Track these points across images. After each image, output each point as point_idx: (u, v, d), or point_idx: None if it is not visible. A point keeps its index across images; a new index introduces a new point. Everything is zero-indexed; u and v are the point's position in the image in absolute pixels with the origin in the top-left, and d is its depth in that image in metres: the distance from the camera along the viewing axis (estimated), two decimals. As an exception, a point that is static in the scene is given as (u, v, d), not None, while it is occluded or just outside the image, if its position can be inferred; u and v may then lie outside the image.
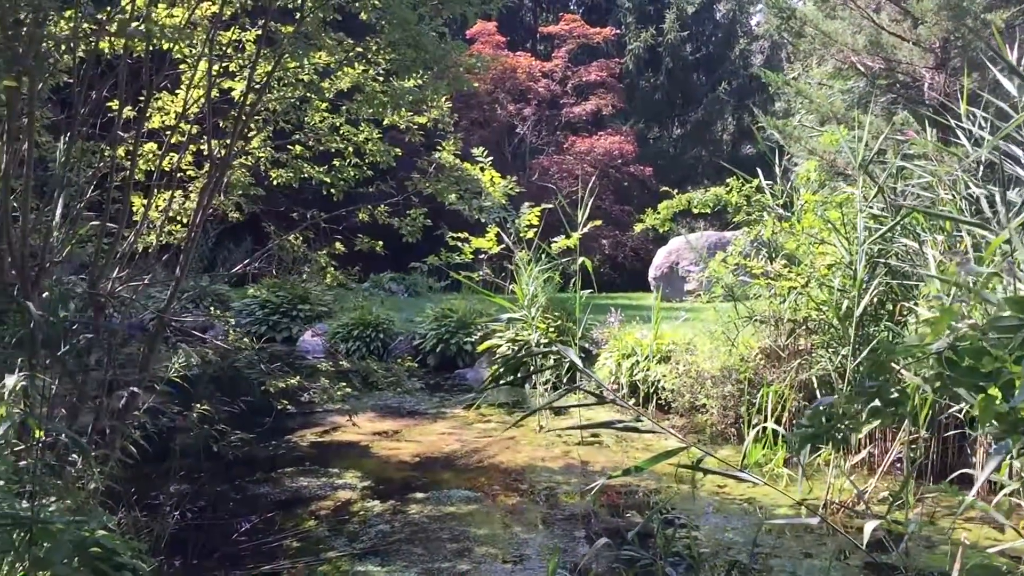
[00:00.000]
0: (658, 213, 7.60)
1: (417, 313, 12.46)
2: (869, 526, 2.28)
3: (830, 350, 6.01)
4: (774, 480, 5.62)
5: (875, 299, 5.72)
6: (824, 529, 4.80)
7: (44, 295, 3.76)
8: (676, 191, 7.68)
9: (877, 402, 1.58)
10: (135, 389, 4.36)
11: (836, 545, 4.57)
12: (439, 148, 6.18)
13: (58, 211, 4.00)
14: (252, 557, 4.30)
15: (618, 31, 27.93)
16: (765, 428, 5.95)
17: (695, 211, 7.32)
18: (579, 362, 2.49)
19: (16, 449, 3.26)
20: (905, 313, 5.73)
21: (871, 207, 5.77)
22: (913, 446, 5.51)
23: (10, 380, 2.97)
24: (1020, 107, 4.32)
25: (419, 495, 5.42)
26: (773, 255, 6.62)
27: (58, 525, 2.97)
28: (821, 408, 1.63)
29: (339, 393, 5.71)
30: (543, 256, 9.17)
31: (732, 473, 2.38)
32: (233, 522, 4.86)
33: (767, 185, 6.84)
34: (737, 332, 6.82)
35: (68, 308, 3.98)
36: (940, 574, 4.17)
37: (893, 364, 3.08)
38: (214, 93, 5.06)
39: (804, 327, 6.28)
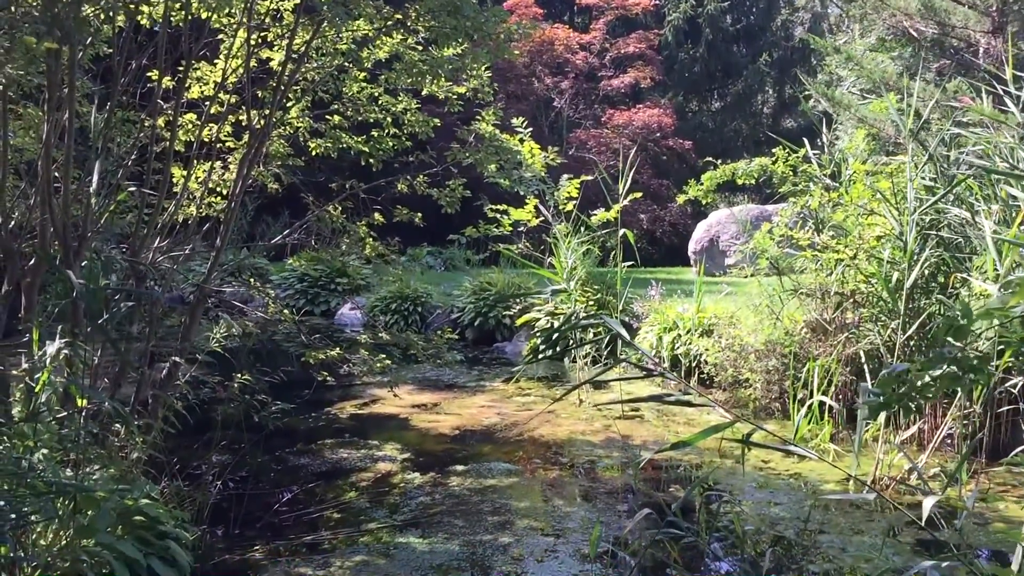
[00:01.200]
0: (701, 184, 7.44)
1: (455, 286, 12.42)
2: (928, 502, 2.18)
3: (879, 323, 5.86)
4: (821, 455, 5.50)
5: (926, 271, 5.56)
6: (873, 505, 4.69)
7: (84, 264, 3.76)
8: (720, 162, 7.51)
9: (952, 368, 1.48)
10: (176, 359, 4.36)
11: (886, 522, 4.46)
12: (478, 119, 6.10)
13: (94, 179, 3.98)
14: (293, 527, 4.30)
15: (657, 2, 27.39)
16: (813, 403, 5.82)
17: (739, 182, 7.15)
18: (625, 333, 2.41)
19: (59, 417, 3.26)
20: (958, 285, 5.56)
21: (922, 177, 5.59)
22: (965, 422, 5.36)
23: (51, 347, 2.97)
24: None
25: (459, 467, 5.40)
26: (820, 226, 6.46)
27: (102, 493, 2.98)
28: (892, 375, 1.54)
29: (379, 365, 5.69)
30: (582, 229, 9.06)
31: (785, 447, 2.29)
32: (274, 492, 4.87)
33: (814, 154, 6.66)
34: (782, 305, 6.68)
35: (109, 278, 3.99)
36: (995, 552, 4.06)
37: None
38: (252, 63, 5.02)
39: (852, 300, 6.13)
